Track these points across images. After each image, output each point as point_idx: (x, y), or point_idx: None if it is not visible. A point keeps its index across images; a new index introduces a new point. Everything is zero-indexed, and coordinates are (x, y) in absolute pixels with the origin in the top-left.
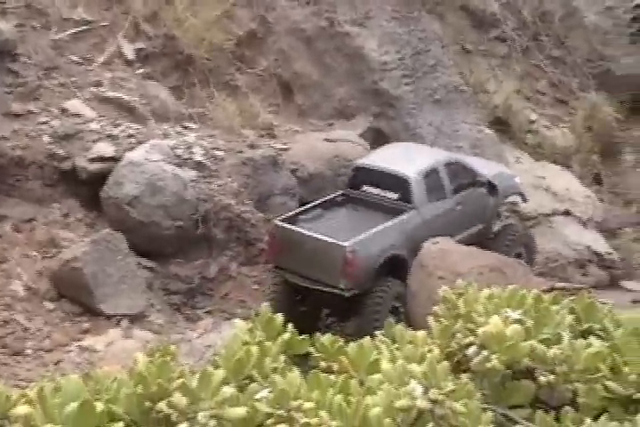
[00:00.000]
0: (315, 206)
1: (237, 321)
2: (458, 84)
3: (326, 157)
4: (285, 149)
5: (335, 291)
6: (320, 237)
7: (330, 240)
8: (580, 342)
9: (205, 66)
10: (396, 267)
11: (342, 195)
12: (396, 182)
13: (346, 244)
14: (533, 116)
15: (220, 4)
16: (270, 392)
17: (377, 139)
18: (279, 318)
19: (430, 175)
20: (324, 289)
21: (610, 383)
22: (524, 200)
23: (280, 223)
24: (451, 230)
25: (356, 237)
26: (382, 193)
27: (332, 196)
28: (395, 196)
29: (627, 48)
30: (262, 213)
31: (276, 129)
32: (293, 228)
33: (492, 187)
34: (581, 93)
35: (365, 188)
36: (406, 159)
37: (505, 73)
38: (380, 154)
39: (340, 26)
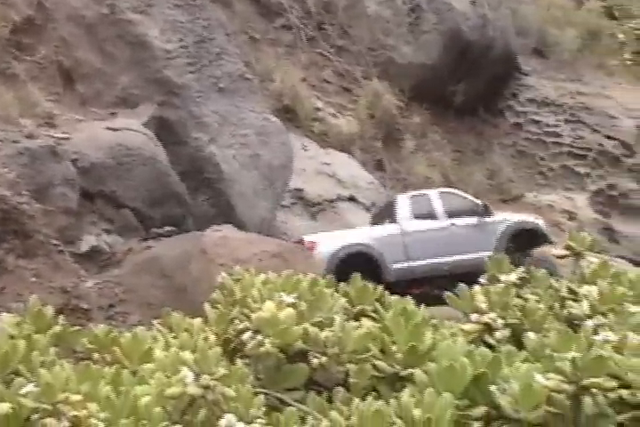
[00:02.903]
0: None
1: (4, 315)
2: (243, 73)
3: (108, 145)
4: (66, 139)
5: None
6: None
7: None
8: (351, 323)
9: None
10: None
11: None
12: None
13: None
14: (319, 105)
15: None
16: (36, 386)
17: (161, 127)
18: (49, 310)
19: None
20: None
21: (378, 362)
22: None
23: None
24: None
25: None
26: None
27: None
28: None
29: (406, 37)
30: (41, 204)
31: (56, 118)
32: None
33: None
34: (365, 82)
35: None
36: None
37: (291, 62)
38: None
39: (122, 13)
